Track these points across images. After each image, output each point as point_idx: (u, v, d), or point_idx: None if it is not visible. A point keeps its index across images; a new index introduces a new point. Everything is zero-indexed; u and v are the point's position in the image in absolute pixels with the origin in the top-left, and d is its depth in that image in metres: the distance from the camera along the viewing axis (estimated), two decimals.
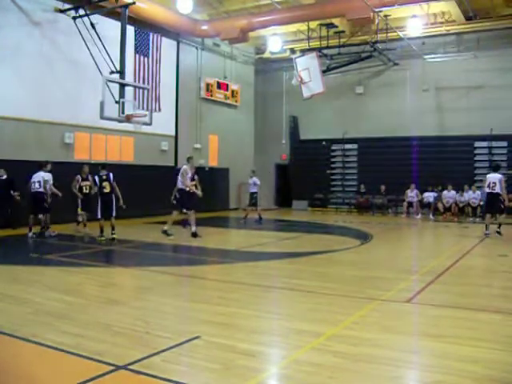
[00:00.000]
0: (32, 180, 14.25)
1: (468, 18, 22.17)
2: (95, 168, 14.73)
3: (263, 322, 6.25)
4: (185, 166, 14.62)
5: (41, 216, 14.48)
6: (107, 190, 13.50)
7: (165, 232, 14.13)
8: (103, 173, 13.62)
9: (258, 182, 19.62)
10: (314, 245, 13.94)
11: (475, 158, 23.51)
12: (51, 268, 9.74)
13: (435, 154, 23.55)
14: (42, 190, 14.21)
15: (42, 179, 14.25)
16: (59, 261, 10.47)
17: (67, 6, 17.17)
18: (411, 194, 22.38)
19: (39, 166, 14.60)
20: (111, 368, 4.52)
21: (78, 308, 6.71)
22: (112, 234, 13.45)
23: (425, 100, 24.46)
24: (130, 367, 4.55)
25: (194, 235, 14.13)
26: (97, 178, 13.60)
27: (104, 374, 4.39)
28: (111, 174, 13.68)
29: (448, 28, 22.83)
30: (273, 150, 28.66)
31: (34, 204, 14.24)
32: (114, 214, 13.66)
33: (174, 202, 14.80)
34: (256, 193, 19.58)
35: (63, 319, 6.08)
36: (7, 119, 15.87)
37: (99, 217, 13.66)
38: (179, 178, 14.39)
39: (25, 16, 16.41)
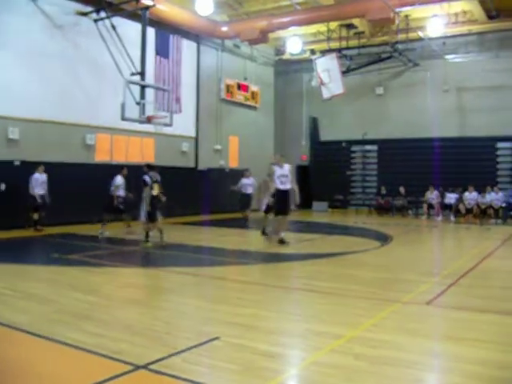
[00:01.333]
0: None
1: (490, 17, 21.95)
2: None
3: (283, 323, 6.24)
4: (273, 165, 13.11)
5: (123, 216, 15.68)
6: (156, 192, 12.61)
7: (281, 241, 12.95)
8: (152, 174, 12.77)
9: (256, 184, 18.41)
10: (333, 246, 13.89)
11: (497, 159, 23.27)
12: (73, 268, 9.81)
13: (456, 155, 23.34)
14: (119, 193, 15.18)
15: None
16: (81, 261, 10.56)
17: (89, 9, 17.35)
18: (431, 195, 22.22)
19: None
20: (131, 368, 4.54)
21: (99, 308, 6.76)
22: (162, 238, 12.76)
23: (446, 101, 24.27)
24: (150, 367, 4.57)
25: (282, 242, 13.00)
26: (148, 178, 12.58)
27: (124, 374, 4.42)
28: (158, 176, 12.90)
29: (469, 27, 22.62)
30: (293, 151, 28.57)
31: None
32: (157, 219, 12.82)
33: (272, 205, 13.35)
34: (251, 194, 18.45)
35: (84, 319, 6.13)
36: (30, 121, 16.06)
37: (147, 220, 12.69)
38: (269, 178, 13.35)
39: (48, 19, 16.60)
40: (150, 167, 13.18)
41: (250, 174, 18.44)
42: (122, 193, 15.15)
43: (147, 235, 12.80)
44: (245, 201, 18.27)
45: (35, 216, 15.26)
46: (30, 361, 4.86)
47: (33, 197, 15.04)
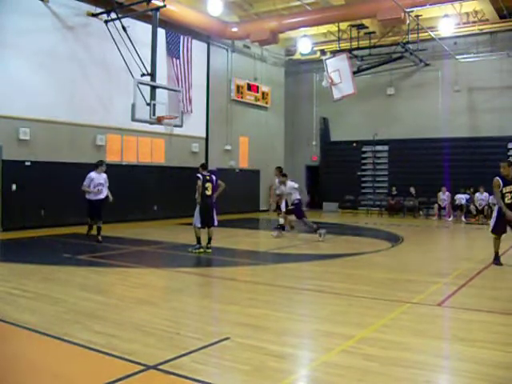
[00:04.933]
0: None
1: (502, 17, 21.85)
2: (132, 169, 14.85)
3: (293, 323, 6.24)
4: None
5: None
6: (209, 192, 11.77)
7: None
8: (205, 173, 11.94)
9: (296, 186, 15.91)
10: (344, 247, 13.87)
11: (509, 160, 23.06)
12: (84, 268, 9.87)
13: (467, 156, 23.23)
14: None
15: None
16: (92, 261, 10.61)
17: (99, 10, 17.41)
18: (443, 196, 22.13)
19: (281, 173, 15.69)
20: (141, 368, 4.56)
21: (110, 308, 6.78)
22: (208, 246, 11.91)
23: (457, 101, 24.16)
24: (160, 367, 4.58)
25: None
26: (201, 176, 11.76)
27: (134, 374, 4.43)
28: (213, 176, 12.08)
29: (481, 27, 22.52)
30: (303, 151, 28.66)
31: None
32: (215, 224, 11.98)
33: None
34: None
35: (95, 319, 6.16)
36: (41, 122, 16.14)
37: (198, 225, 11.74)
38: None
39: (58, 20, 16.68)
40: (204, 167, 12.27)
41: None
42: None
43: (198, 241, 11.86)
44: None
45: (91, 222, 13.87)
46: (41, 361, 4.89)
47: (88, 201, 13.32)
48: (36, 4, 15.99)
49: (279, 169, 15.92)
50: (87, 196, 13.27)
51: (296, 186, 15.41)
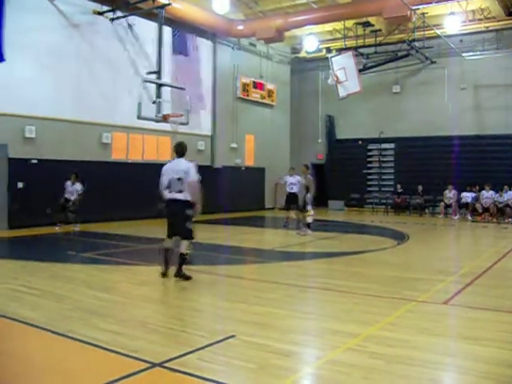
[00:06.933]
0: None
1: (509, 14, 21.76)
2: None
3: (299, 321, 6.24)
4: None
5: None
6: None
7: None
8: None
9: (303, 182, 16.06)
10: (350, 245, 13.84)
11: None
12: (89, 265, 9.88)
13: (474, 154, 23.16)
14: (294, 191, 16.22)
15: (297, 182, 16.13)
16: (97, 259, 10.62)
17: (105, 8, 17.44)
18: (449, 194, 22.05)
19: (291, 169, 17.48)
20: (147, 365, 4.56)
21: (115, 305, 6.79)
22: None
23: (463, 98, 24.06)
24: (166, 365, 4.58)
25: None
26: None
27: (140, 371, 4.43)
28: None
29: (487, 25, 22.45)
30: (309, 149, 28.59)
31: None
32: None
33: None
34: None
35: (100, 316, 6.17)
36: (47, 120, 16.17)
37: None
38: None
39: (64, 18, 16.71)
40: None
41: (294, 172, 17.07)
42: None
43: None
44: (290, 200, 16.76)
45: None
46: (46, 358, 4.89)
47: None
48: (42, 2, 16.01)
49: (306, 166, 16.25)
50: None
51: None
